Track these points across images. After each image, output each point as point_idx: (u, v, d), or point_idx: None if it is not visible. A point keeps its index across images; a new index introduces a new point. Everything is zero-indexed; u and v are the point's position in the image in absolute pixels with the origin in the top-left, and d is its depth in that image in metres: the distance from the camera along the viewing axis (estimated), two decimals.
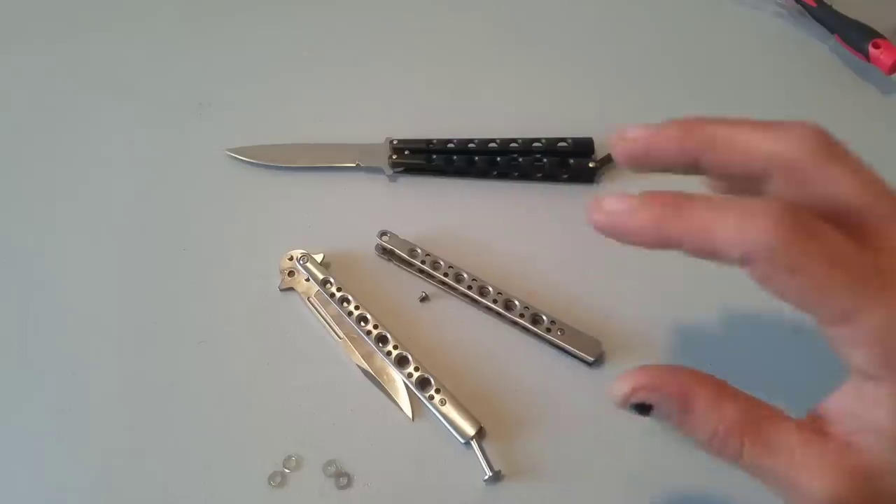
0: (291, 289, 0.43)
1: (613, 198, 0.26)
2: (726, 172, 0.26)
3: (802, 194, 0.25)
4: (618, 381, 0.27)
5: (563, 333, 0.41)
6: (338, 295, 0.42)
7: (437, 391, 0.39)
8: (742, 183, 0.27)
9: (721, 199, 0.25)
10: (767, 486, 0.25)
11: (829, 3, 0.55)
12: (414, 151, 0.48)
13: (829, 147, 0.25)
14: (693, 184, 0.29)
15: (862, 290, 0.23)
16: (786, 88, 0.53)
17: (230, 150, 0.49)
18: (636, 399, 0.26)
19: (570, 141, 0.48)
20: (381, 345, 0.41)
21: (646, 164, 0.28)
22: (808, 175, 0.24)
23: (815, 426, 0.25)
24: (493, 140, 0.48)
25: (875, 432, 0.24)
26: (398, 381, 0.40)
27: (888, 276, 0.23)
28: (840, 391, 0.25)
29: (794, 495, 0.25)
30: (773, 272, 0.23)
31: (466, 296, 0.43)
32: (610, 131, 0.48)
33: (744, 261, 0.23)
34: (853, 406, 0.24)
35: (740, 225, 0.23)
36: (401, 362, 0.40)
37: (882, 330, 0.23)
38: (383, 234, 0.44)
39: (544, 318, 0.41)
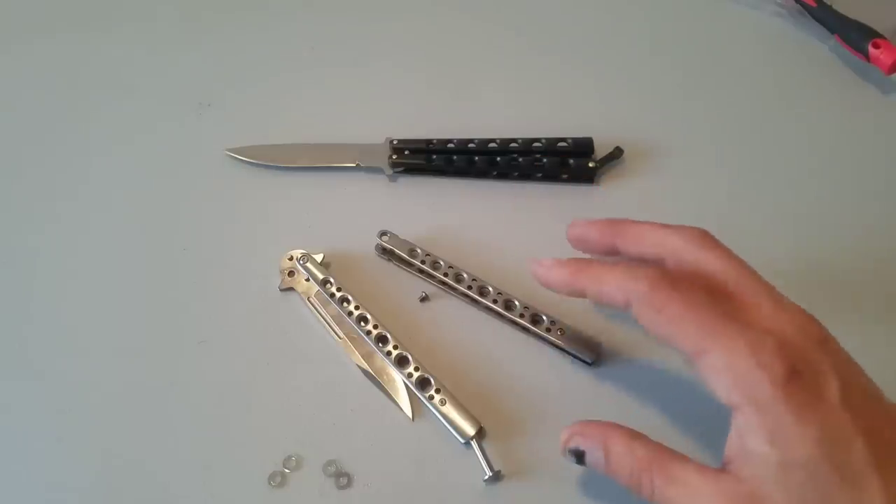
0: (291, 289, 0.43)
1: (547, 260, 0.35)
2: (635, 255, 0.34)
3: (689, 271, 0.32)
4: (562, 432, 0.34)
5: (563, 333, 0.41)
6: (338, 295, 0.42)
7: (437, 391, 0.39)
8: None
9: (613, 263, 0.33)
10: None
11: (829, 3, 0.55)
12: (414, 151, 0.48)
13: (707, 240, 0.33)
14: None
15: (710, 328, 0.29)
16: (786, 88, 0.53)
17: (230, 150, 0.49)
18: (571, 445, 0.33)
19: (570, 141, 0.48)
20: (381, 345, 0.41)
21: (582, 246, 0.37)
22: (691, 257, 0.32)
23: (714, 468, 0.29)
24: (493, 140, 0.48)
25: (751, 461, 0.28)
26: (398, 381, 0.40)
27: (735, 322, 0.29)
28: (729, 437, 0.29)
29: None
30: (644, 311, 0.30)
31: (466, 296, 0.43)
32: (610, 131, 0.49)
33: (625, 304, 0.31)
34: (737, 441, 0.28)
35: (624, 279, 0.31)
36: (401, 362, 0.40)
37: (727, 361, 0.28)
38: (383, 234, 0.44)
39: (544, 318, 0.41)
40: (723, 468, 0.29)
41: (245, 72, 0.54)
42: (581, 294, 0.34)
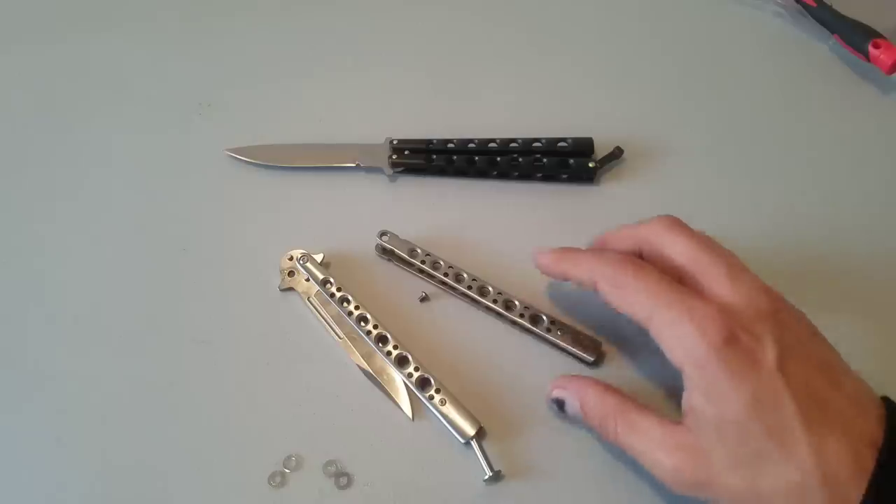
0: (291, 289, 0.43)
1: (544, 248, 0.39)
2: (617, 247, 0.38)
3: (658, 254, 0.36)
4: (549, 384, 0.38)
5: (563, 333, 0.41)
6: (338, 295, 0.42)
7: (437, 391, 0.39)
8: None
9: (590, 251, 0.38)
10: (639, 461, 0.33)
11: (828, 3, 0.55)
12: (414, 151, 0.48)
13: (674, 224, 0.36)
14: None
15: (658, 298, 0.33)
16: (786, 88, 0.53)
17: (230, 150, 0.49)
18: (553, 395, 0.38)
19: (570, 141, 0.48)
20: (381, 345, 0.41)
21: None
22: (658, 241, 0.36)
23: (673, 420, 0.33)
24: (493, 140, 0.48)
25: (694, 415, 0.31)
26: (398, 381, 0.40)
27: (681, 292, 0.33)
28: (684, 393, 0.32)
29: (651, 466, 0.33)
30: (607, 289, 0.35)
31: (466, 296, 0.43)
32: (610, 131, 0.49)
33: (594, 284, 0.36)
34: (686, 397, 0.32)
35: (594, 262, 0.36)
36: (401, 362, 0.40)
37: (668, 328, 0.32)
38: (383, 234, 0.44)
39: (544, 318, 0.41)
40: (680, 421, 0.33)
41: (245, 72, 0.54)
42: (564, 277, 0.38)
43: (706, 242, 0.35)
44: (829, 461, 0.29)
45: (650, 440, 0.33)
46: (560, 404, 0.38)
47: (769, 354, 0.30)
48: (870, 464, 0.29)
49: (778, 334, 0.31)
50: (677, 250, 0.35)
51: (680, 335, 0.32)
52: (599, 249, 0.39)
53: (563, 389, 0.37)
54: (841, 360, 0.32)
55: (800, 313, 0.34)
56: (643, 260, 0.36)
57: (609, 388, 0.36)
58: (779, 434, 0.30)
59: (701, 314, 0.31)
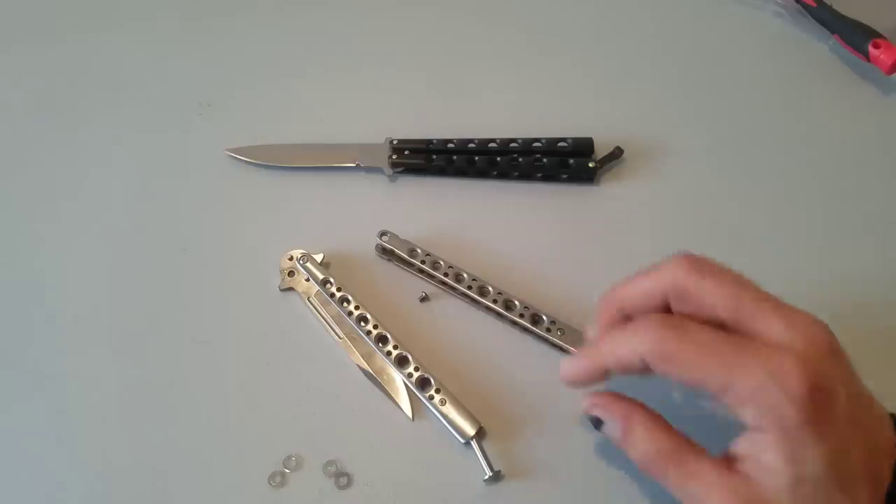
0: (291, 289, 0.43)
1: (564, 362, 0.35)
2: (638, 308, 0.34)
3: (691, 304, 0.32)
4: (585, 397, 0.35)
5: (563, 333, 0.41)
6: (338, 295, 0.42)
7: (437, 391, 0.39)
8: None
9: (618, 330, 0.33)
10: (685, 502, 0.32)
11: (828, 3, 0.55)
12: (414, 151, 0.48)
13: (696, 267, 0.32)
14: None
15: (727, 363, 0.30)
16: (786, 88, 0.53)
17: (230, 150, 0.49)
18: (591, 413, 0.34)
19: (570, 141, 0.48)
20: (381, 345, 0.41)
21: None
22: (688, 288, 0.32)
23: (726, 463, 0.31)
24: (493, 140, 0.48)
25: (765, 472, 0.29)
26: (398, 381, 0.40)
27: (748, 350, 0.30)
28: (743, 437, 0.31)
29: None
30: (661, 365, 0.31)
31: (466, 296, 0.43)
32: (610, 131, 0.49)
33: (643, 365, 0.31)
34: (751, 450, 0.30)
35: (630, 342, 0.32)
36: (401, 362, 0.40)
37: (751, 391, 0.29)
38: (383, 234, 0.44)
39: (544, 318, 0.41)
40: (732, 464, 0.31)
41: (245, 72, 0.54)
42: (608, 375, 0.34)
43: (737, 280, 0.32)
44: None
45: (706, 485, 0.31)
46: (597, 423, 0.34)
47: (841, 402, 0.29)
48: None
49: (842, 377, 0.30)
50: (715, 299, 0.31)
51: (765, 400, 0.29)
52: (625, 324, 0.33)
53: (604, 410, 0.34)
54: (866, 389, 0.32)
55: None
56: (679, 316, 0.32)
57: (657, 420, 0.33)
58: (848, 485, 0.29)
59: (780, 372, 0.29)
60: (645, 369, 0.31)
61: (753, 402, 0.29)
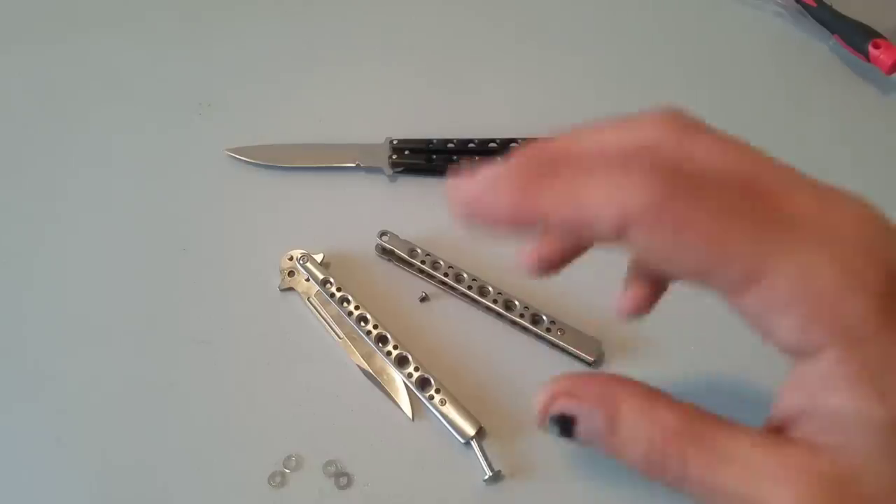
0: (291, 289, 0.43)
1: (474, 177, 0.22)
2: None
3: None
4: (538, 392, 0.23)
5: (563, 333, 0.41)
6: (338, 295, 0.42)
7: (437, 391, 0.39)
8: None
9: (587, 164, 0.21)
10: None
11: (828, 3, 0.55)
12: (414, 151, 0.48)
13: (688, 122, 0.23)
14: None
15: (766, 237, 0.19)
16: (786, 88, 0.53)
17: (230, 150, 0.49)
18: (555, 410, 0.23)
19: None
20: (381, 345, 0.41)
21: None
22: (682, 149, 0.21)
23: (773, 433, 0.21)
24: (493, 140, 0.48)
25: (837, 425, 0.19)
26: (398, 381, 0.40)
27: (797, 220, 0.19)
28: (787, 387, 0.20)
29: None
30: (657, 233, 0.19)
31: (466, 296, 0.43)
32: None
33: (619, 228, 0.20)
34: (804, 401, 0.20)
35: (613, 185, 0.20)
36: (401, 362, 0.40)
37: (801, 281, 0.19)
38: (383, 234, 0.44)
39: (544, 318, 0.41)
40: (779, 432, 0.21)
41: (245, 72, 0.54)
42: (534, 226, 0.22)
43: (743, 144, 0.22)
44: None
45: (752, 473, 0.20)
46: (565, 425, 0.23)
47: None
48: None
49: None
50: (724, 161, 0.21)
51: (821, 296, 0.19)
52: (603, 160, 0.22)
53: (571, 398, 0.23)
54: None
55: None
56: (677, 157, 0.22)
57: (657, 393, 0.22)
58: None
59: (844, 258, 0.19)
60: (617, 234, 0.20)
61: (803, 300, 0.19)
